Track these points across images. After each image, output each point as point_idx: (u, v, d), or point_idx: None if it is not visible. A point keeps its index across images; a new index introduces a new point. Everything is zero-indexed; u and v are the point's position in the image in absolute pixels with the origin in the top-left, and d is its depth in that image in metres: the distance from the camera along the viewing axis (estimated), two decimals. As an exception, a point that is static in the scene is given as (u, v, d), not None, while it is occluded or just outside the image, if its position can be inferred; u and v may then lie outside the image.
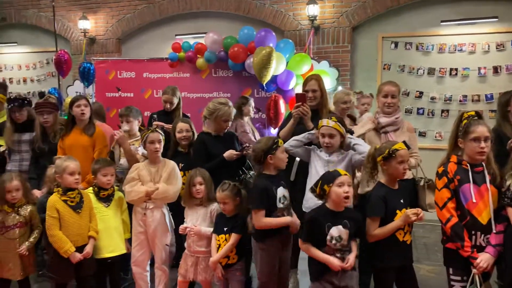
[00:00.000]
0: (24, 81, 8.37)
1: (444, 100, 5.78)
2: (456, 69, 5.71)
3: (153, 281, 3.36)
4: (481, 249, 2.34)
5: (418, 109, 5.91)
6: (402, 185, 2.66)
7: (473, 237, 2.35)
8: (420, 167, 3.08)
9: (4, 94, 4.41)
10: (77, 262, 2.97)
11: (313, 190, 2.53)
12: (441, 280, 2.49)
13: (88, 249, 2.99)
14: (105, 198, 3.20)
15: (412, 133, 3.19)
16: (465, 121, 2.39)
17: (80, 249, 2.96)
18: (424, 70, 5.86)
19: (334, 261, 2.39)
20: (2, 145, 3.95)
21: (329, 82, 5.58)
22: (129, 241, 3.32)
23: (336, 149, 2.89)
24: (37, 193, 3.42)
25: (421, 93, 5.88)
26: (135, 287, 3.42)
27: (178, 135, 3.47)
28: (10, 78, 8.46)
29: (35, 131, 3.83)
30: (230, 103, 3.40)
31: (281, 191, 2.75)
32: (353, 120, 4.27)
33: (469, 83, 5.68)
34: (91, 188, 3.20)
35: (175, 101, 4.31)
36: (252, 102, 4.99)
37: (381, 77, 6.03)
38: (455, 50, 5.71)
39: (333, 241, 2.41)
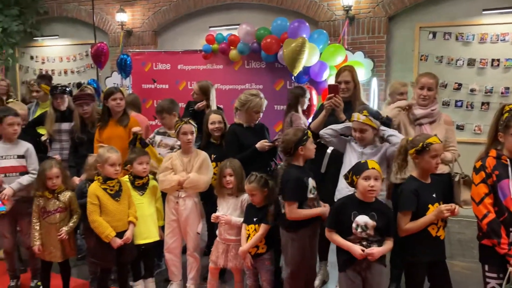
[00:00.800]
0: (65, 72, 8.68)
1: (485, 92, 5.55)
2: (498, 60, 5.47)
3: (186, 268, 3.46)
4: (519, 246, 2.26)
5: (456, 101, 5.71)
6: (435, 179, 2.60)
7: (511, 234, 2.27)
8: (457, 161, 3.00)
9: (49, 85, 4.60)
10: (119, 248, 3.09)
11: (346, 177, 2.55)
12: (475, 277, 2.43)
13: (128, 234, 3.09)
14: (140, 186, 3.30)
15: (450, 126, 3.10)
16: (506, 114, 2.30)
17: (120, 235, 3.06)
18: (463, 61, 5.65)
19: (356, 248, 2.38)
20: (43, 134, 4.12)
21: (363, 73, 5.49)
22: (162, 228, 3.42)
23: (370, 142, 2.86)
24: (76, 180, 3.57)
25: (460, 85, 5.67)
26: (168, 273, 3.54)
27: (210, 126, 3.51)
28: (52, 70, 8.80)
29: (74, 121, 3.97)
30: (262, 95, 3.41)
31: (311, 182, 2.78)
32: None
33: (512, 74, 5.44)
34: (126, 176, 3.30)
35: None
36: (308, 94, 4.87)
37: (418, 68, 5.86)
38: (498, 40, 5.47)
39: (359, 229, 2.40)
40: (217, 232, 3.15)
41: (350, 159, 2.89)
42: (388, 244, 2.47)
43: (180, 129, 3.24)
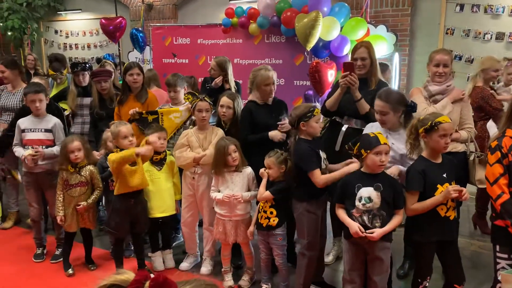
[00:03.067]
0: (88, 47, 8.81)
1: (513, 68, 5.35)
2: (529, 34, 5.25)
3: (202, 241, 3.56)
4: (532, 228, 2.23)
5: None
6: (447, 159, 2.55)
7: (525, 215, 2.24)
8: (474, 140, 2.94)
9: (63, 66, 4.71)
10: (133, 220, 3.21)
11: (350, 148, 2.53)
12: (491, 257, 2.41)
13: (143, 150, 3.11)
14: (158, 162, 3.38)
15: (466, 102, 3.02)
16: None
17: (135, 192, 3.18)
18: (492, 35, 5.43)
19: (353, 226, 2.39)
20: (66, 109, 4.23)
21: (386, 48, 5.35)
22: (179, 202, 3.51)
23: (395, 126, 2.78)
24: (95, 154, 3.67)
25: (487, 59, 5.47)
26: (185, 245, 3.65)
27: (219, 109, 3.43)
28: (75, 44, 8.95)
29: (92, 97, 4.05)
30: (269, 67, 3.33)
31: (322, 154, 2.82)
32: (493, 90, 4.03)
33: (543, 48, 5.21)
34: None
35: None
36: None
37: (444, 42, 5.67)
38: (529, 12, 5.22)
39: (362, 201, 2.40)
40: (217, 210, 3.18)
41: None
42: (397, 219, 2.45)
43: (195, 106, 3.27)
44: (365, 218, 2.42)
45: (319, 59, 5.45)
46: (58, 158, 3.37)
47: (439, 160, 2.49)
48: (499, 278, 2.31)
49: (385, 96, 2.73)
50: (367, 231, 2.38)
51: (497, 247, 2.35)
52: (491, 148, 2.33)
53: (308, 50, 5.03)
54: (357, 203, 2.43)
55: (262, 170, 3.03)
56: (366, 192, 2.41)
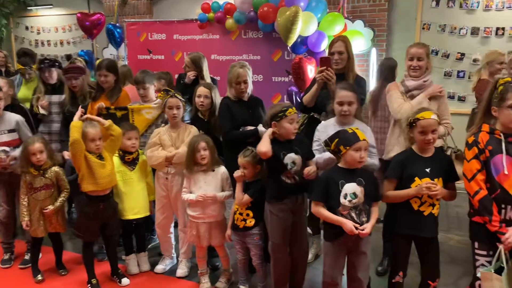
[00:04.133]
0: (61, 43, 8.55)
1: (488, 63, 5.39)
2: (503, 29, 5.28)
3: (178, 242, 3.46)
4: (511, 223, 2.20)
5: (458, 72, 5.56)
6: (441, 156, 2.52)
7: (503, 211, 2.21)
8: (451, 135, 2.92)
9: (34, 61, 4.49)
10: (103, 222, 3.09)
11: (326, 144, 2.48)
12: (470, 252, 2.39)
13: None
14: (130, 162, 3.25)
15: (443, 98, 2.99)
16: (501, 88, 2.20)
17: (105, 196, 3.06)
18: (467, 30, 5.46)
19: (348, 224, 2.32)
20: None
21: (363, 43, 5.33)
22: (154, 203, 3.40)
23: (352, 117, 2.78)
24: (66, 154, 3.52)
25: (463, 55, 5.51)
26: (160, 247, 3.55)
27: (196, 100, 3.35)
28: (48, 41, 8.67)
29: (64, 94, 3.89)
30: (244, 64, 3.25)
31: (291, 157, 2.66)
32: None
33: (517, 43, 5.26)
34: (116, 151, 3.24)
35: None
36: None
37: (420, 37, 5.68)
38: (503, 7, 5.25)
39: (348, 198, 2.35)
40: (189, 212, 3.09)
41: None
42: (376, 211, 2.45)
43: (166, 103, 3.15)
44: (353, 214, 2.37)
45: (296, 55, 5.39)
46: (19, 161, 3.19)
47: (428, 155, 2.46)
48: (478, 275, 2.28)
49: (350, 86, 2.76)
50: (359, 230, 2.33)
51: (476, 244, 2.32)
52: (468, 143, 2.30)
53: (289, 46, 4.95)
54: (342, 200, 2.37)
55: (236, 173, 2.92)
56: (351, 188, 2.37)
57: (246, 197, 2.86)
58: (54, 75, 3.98)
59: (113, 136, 3.06)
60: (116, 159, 3.20)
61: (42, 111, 3.90)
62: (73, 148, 2.93)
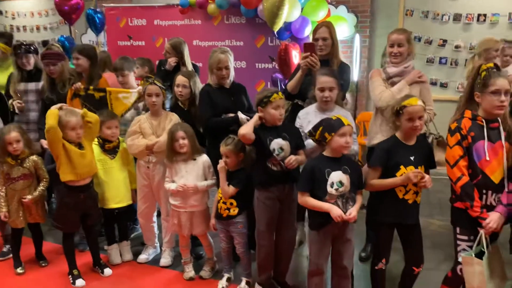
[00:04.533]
0: (37, 29, 8.29)
1: (469, 49, 5.42)
2: (485, 15, 5.31)
3: (162, 231, 3.42)
4: (491, 208, 2.23)
5: (440, 58, 5.58)
6: (423, 143, 2.52)
7: (484, 196, 2.24)
8: (433, 122, 2.93)
9: (9, 44, 4.33)
10: (84, 213, 3.03)
11: (311, 134, 2.47)
12: (451, 237, 2.42)
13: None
14: (111, 150, 3.19)
15: (425, 84, 2.98)
16: (484, 73, 2.20)
17: (85, 186, 2.99)
18: (449, 16, 5.47)
19: (336, 210, 2.32)
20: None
21: (346, 29, 5.31)
22: (136, 191, 3.34)
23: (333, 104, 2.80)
24: (44, 143, 3.43)
25: (445, 41, 5.53)
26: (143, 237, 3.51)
27: (175, 89, 3.27)
28: (23, 26, 8.40)
29: (42, 81, 3.77)
30: (226, 49, 3.18)
31: (278, 143, 2.64)
32: (498, 69, 3.99)
33: (498, 30, 5.28)
34: (95, 139, 3.16)
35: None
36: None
37: (403, 23, 5.67)
38: (485, -6, 5.29)
39: (334, 186, 2.35)
40: (171, 201, 3.05)
41: None
42: (360, 199, 2.47)
43: (145, 90, 3.08)
44: (339, 203, 2.37)
45: (280, 40, 5.35)
46: None
47: (412, 143, 2.45)
48: (460, 260, 2.31)
49: (330, 72, 2.74)
50: (347, 216, 2.33)
51: (457, 229, 2.35)
52: (450, 130, 2.30)
53: (275, 31, 4.89)
54: (329, 189, 2.36)
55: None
56: (337, 176, 2.37)
57: (232, 189, 2.82)
58: (31, 61, 3.85)
59: (90, 123, 2.96)
60: (96, 148, 3.13)
61: (17, 111, 3.80)
62: (49, 136, 2.83)
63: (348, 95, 4.01)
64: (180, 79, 3.24)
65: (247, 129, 2.59)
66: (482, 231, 2.20)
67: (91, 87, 3.49)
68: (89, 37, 7.00)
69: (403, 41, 2.91)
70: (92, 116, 2.98)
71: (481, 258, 2.16)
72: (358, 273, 3.15)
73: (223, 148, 2.81)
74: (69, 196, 2.98)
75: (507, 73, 3.80)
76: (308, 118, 2.76)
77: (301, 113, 2.86)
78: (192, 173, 2.97)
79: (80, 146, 2.94)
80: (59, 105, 2.95)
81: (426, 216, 4.25)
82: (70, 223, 3.04)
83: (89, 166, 2.95)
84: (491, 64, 2.23)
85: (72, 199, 2.97)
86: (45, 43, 7.00)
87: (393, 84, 2.96)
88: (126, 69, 3.51)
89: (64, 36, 6.61)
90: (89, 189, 3.04)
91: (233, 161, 2.82)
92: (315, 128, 2.43)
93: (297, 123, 2.83)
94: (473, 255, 2.19)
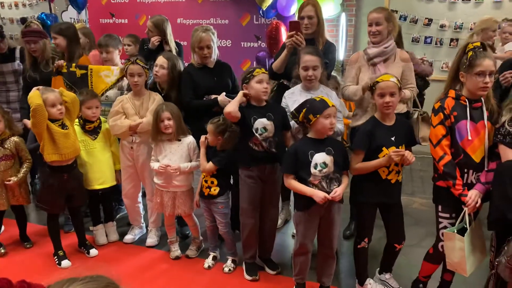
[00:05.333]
0: (16, 5, 8.01)
1: (454, 28, 5.44)
2: (470, -6, 5.32)
3: (147, 211, 3.42)
4: (472, 187, 2.26)
5: (426, 37, 5.58)
6: (401, 122, 2.53)
7: (465, 175, 2.27)
8: (416, 99, 2.94)
9: None
10: (68, 194, 3.00)
11: (294, 115, 2.46)
12: (433, 214, 2.47)
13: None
14: (92, 130, 3.14)
15: (408, 62, 2.97)
16: (470, 53, 2.19)
17: (69, 166, 2.95)
18: (435, -5, 5.46)
19: (318, 193, 2.34)
20: None
21: (332, 8, 5.26)
22: (120, 172, 3.32)
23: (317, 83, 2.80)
24: (28, 123, 3.36)
25: (430, 20, 5.52)
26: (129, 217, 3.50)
27: (154, 69, 3.19)
28: (1, 3, 8.11)
29: (25, 60, 3.68)
30: (209, 28, 3.10)
31: (261, 122, 2.63)
32: (493, 50, 3.98)
33: (483, 9, 5.30)
34: (76, 120, 3.11)
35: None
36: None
37: (390, 2, 5.64)
38: (471, -27, 5.27)
39: (318, 168, 2.36)
40: (155, 179, 3.04)
41: None
42: (346, 179, 2.48)
43: (127, 70, 3.02)
44: (324, 184, 2.38)
45: (266, 19, 5.28)
46: None
47: (391, 123, 2.46)
48: (442, 237, 2.36)
49: (314, 50, 2.73)
50: (331, 195, 2.35)
51: (439, 207, 2.39)
52: (434, 109, 2.31)
53: (264, 9, 4.81)
54: (313, 170, 2.37)
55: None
56: (320, 158, 2.37)
57: (210, 165, 2.82)
58: (4, 45, 3.75)
59: (67, 102, 2.88)
60: (77, 129, 3.08)
61: None
62: (35, 115, 2.73)
63: (339, 77, 3.98)
64: (159, 59, 3.15)
65: (232, 106, 2.58)
66: (465, 208, 2.23)
67: (74, 64, 3.41)
68: (69, 15, 6.80)
69: (381, 20, 2.88)
70: (69, 95, 2.90)
71: (463, 235, 2.21)
72: (343, 250, 3.22)
73: (209, 126, 2.81)
74: (53, 177, 2.94)
75: (504, 50, 3.84)
76: (293, 97, 2.75)
77: (286, 93, 2.85)
78: (176, 154, 2.96)
79: (63, 126, 2.88)
80: (35, 88, 2.88)
81: (408, 194, 4.34)
82: (54, 204, 3.01)
83: (73, 147, 2.90)
84: (478, 43, 2.23)
85: (56, 180, 2.94)
86: (23, 20, 6.77)
87: (374, 65, 2.95)
88: (110, 46, 3.45)
89: (45, 13, 6.42)
90: (73, 170, 3.00)
91: (213, 140, 2.82)
92: (298, 110, 2.42)
93: (284, 103, 2.82)
94: (455, 231, 2.24)
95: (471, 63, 2.17)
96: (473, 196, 2.20)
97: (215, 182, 2.88)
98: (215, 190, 2.88)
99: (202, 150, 2.85)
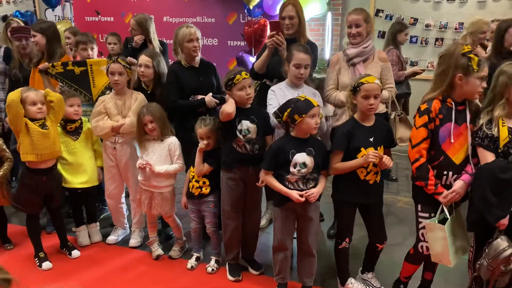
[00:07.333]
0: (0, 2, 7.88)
1: (439, 28, 5.48)
2: (455, -6, 5.36)
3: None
4: (450, 188, 2.28)
5: (411, 37, 5.60)
6: (380, 123, 2.53)
7: (444, 177, 2.28)
8: (395, 100, 2.96)
9: None
10: (46, 194, 2.96)
11: (277, 115, 2.45)
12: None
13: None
14: (73, 131, 3.11)
15: (386, 62, 2.99)
16: (475, 57, 2.13)
17: (47, 169, 2.90)
18: (420, -5, 5.49)
19: (293, 194, 2.37)
20: None
21: (319, 7, 5.27)
22: (102, 169, 3.29)
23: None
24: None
25: (416, 19, 5.56)
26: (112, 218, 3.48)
27: (138, 69, 3.16)
28: (-16, -1, 7.97)
29: (12, 58, 3.65)
30: (191, 25, 3.09)
31: (246, 124, 2.63)
32: (485, 49, 3.99)
33: (467, 9, 5.35)
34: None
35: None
36: (408, 30, 4.55)
37: (375, 2, 5.66)
38: (455, -27, 5.31)
39: (297, 167, 2.38)
40: (138, 177, 3.03)
41: None
42: (324, 180, 2.50)
43: (108, 68, 3.00)
44: (300, 183, 2.41)
45: (252, 18, 5.27)
46: None
47: (370, 124, 2.46)
48: (421, 237, 2.38)
49: (306, 49, 2.72)
50: (305, 193, 2.37)
51: (419, 207, 2.40)
52: (420, 110, 2.29)
53: (251, 8, 4.79)
54: (292, 169, 2.39)
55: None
56: (301, 158, 2.39)
57: (207, 166, 2.82)
58: None
59: (52, 102, 2.84)
60: (58, 129, 3.02)
61: None
62: (9, 111, 2.70)
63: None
64: (142, 58, 3.12)
65: (232, 107, 2.57)
66: (442, 200, 2.23)
67: (70, 62, 3.35)
68: (54, 12, 6.72)
69: (360, 22, 2.91)
70: (54, 95, 2.86)
71: (444, 224, 2.22)
72: (327, 250, 3.23)
73: (203, 130, 2.78)
74: (31, 178, 2.89)
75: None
76: (281, 93, 2.75)
77: (274, 88, 2.83)
78: (155, 153, 2.94)
79: (43, 125, 2.83)
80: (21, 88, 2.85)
81: (393, 192, 4.36)
82: (31, 204, 2.96)
83: (51, 148, 2.85)
84: (470, 47, 2.21)
85: (33, 181, 2.89)
86: (4, 18, 6.67)
87: (353, 65, 2.96)
88: (94, 43, 3.47)
89: (23, 11, 6.33)
90: (52, 171, 2.96)
91: (213, 140, 2.81)
92: (282, 109, 2.42)
93: (271, 99, 2.78)
94: (436, 222, 2.25)
95: (480, 67, 2.14)
96: (457, 188, 2.21)
97: (207, 182, 2.88)
98: (206, 190, 2.88)
99: (200, 156, 2.82)
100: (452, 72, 2.19)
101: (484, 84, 2.18)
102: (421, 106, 2.30)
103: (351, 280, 2.70)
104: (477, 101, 2.31)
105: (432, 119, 2.24)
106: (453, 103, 2.23)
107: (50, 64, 3.31)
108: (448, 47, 2.31)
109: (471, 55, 2.15)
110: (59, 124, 3.04)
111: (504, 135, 2.13)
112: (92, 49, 3.50)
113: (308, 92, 2.76)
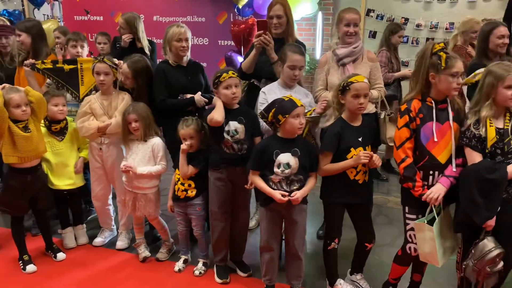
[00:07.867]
0: (-13, 1, 7.79)
1: (430, 28, 5.48)
2: (445, -6, 5.36)
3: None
4: (437, 189, 2.27)
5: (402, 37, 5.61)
6: (367, 123, 2.52)
7: (430, 177, 2.27)
8: (384, 99, 2.95)
9: None
10: (32, 197, 2.91)
11: (263, 116, 2.43)
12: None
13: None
14: (58, 131, 3.06)
15: (375, 62, 2.99)
16: (443, 55, 2.14)
17: (32, 168, 2.86)
18: (411, -5, 5.49)
19: (276, 194, 2.35)
20: None
21: (310, 6, 5.26)
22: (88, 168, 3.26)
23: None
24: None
25: (407, 19, 5.55)
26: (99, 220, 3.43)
27: (118, 75, 3.09)
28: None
29: None
30: (182, 25, 3.05)
31: (233, 125, 2.61)
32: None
33: (458, 9, 5.36)
34: (42, 121, 3.02)
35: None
36: (402, 31, 4.52)
37: (366, 2, 5.66)
38: (446, -27, 5.32)
39: (281, 168, 2.36)
40: (123, 179, 2.99)
41: None
42: (312, 181, 2.47)
43: (93, 68, 2.95)
44: (283, 184, 2.39)
45: (242, 17, 5.24)
46: None
47: (358, 123, 2.46)
48: (409, 239, 2.37)
49: (300, 50, 2.70)
50: (289, 195, 2.35)
51: (406, 209, 2.39)
52: (400, 111, 2.30)
53: (240, 7, 4.76)
54: (275, 169, 2.38)
55: (182, 146, 2.78)
56: (285, 158, 2.37)
57: (192, 169, 2.78)
58: None
59: (32, 102, 2.77)
60: (42, 129, 2.97)
61: None
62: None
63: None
64: (123, 67, 3.01)
65: (220, 115, 2.56)
66: (428, 199, 2.22)
67: (60, 59, 3.31)
68: (43, 11, 6.65)
69: (358, 21, 2.92)
70: (34, 95, 2.79)
71: (432, 225, 2.21)
72: (316, 251, 3.21)
73: (185, 130, 2.75)
74: (15, 178, 2.84)
75: None
76: (273, 94, 2.71)
77: (265, 89, 2.81)
78: (138, 154, 2.91)
79: (26, 128, 2.77)
80: (0, 86, 2.79)
81: (384, 193, 4.35)
82: (17, 206, 2.91)
83: (34, 151, 2.80)
84: (442, 44, 2.22)
85: (18, 182, 2.83)
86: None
87: (343, 65, 2.94)
88: (84, 41, 3.45)
89: (6, 10, 6.26)
90: (37, 171, 2.91)
91: (197, 141, 2.77)
92: (267, 110, 2.40)
93: (262, 100, 2.75)
94: (425, 222, 2.24)
95: (448, 64, 2.14)
96: (435, 190, 2.20)
97: (193, 184, 2.84)
98: (192, 192, 2.84)
99: (183, 157, 2.78)
100: (425, 71, 2.21)
101: (459, 80, 2.17)
102: (401, 107, 2.31)
103: (339, 281, 2.68)
104: (460, 100, 2.32)
105: (413, 118, 2.24)
106: (433, 102, 2.23)
107: (40, 61, 3.26)
108: (423, 46, 2.32)
109: (441, 53, 2.16)
110: (43, 125, 2.99)
111: (491, 135, 2.12)
112: (82, 47, 3.46)
113: (300, 93, 2.75)
